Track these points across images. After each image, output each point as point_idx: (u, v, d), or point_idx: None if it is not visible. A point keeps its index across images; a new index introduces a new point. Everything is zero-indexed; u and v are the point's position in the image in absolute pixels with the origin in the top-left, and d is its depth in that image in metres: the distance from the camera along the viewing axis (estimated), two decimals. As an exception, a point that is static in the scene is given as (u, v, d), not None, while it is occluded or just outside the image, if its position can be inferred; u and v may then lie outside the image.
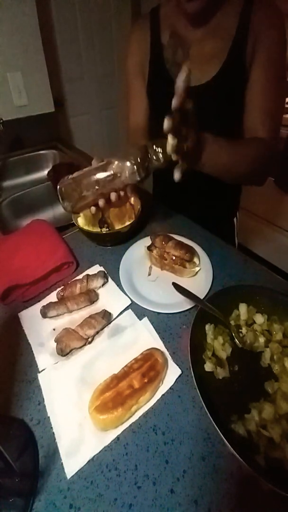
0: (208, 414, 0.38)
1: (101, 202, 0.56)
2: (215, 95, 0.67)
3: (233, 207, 0.94)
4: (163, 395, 0.44)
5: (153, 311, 0.56)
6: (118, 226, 0.72)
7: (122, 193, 0.56)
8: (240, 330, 0.52)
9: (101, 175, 0.53)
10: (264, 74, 0.63)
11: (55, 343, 0.50)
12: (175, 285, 0.57)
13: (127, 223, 0.67)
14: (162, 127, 0.77)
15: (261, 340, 0.49)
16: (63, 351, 0.48)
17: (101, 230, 0.74)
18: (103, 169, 0.53)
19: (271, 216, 1.83)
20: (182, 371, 0.46)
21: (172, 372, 0.46)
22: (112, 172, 0.52)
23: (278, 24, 0.60)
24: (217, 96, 0.67)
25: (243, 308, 0.53)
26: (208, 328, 0.50)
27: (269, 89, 0.64)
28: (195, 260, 0.63)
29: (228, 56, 0.63)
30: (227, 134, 0.67)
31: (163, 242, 0.64)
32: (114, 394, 0.41)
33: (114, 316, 0.55)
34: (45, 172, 1.20)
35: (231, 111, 0.69)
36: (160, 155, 0.50)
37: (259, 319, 0.52)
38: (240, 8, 0.61)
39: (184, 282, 0.59)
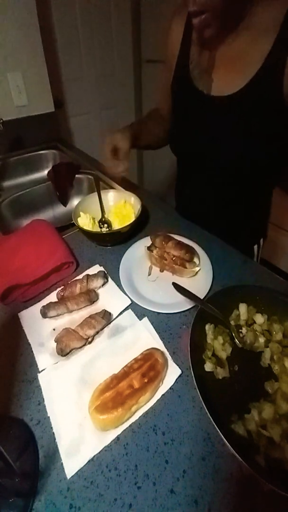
0: (208, 414, 0.38)
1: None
2: (238, 112, 0.57)
3: (255, 234, 0.85)
4: (163, 395, 0.44)
5: (153, 311, 0.56)
6: (118, 226, 0.72)
7: None
8: (240, 330, 0.52)
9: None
10: None
11: (55, 343, 0.50)
12: (175, 285, 0.57)
13: (127, 223, 0.67)
14: (182, 133, 0.69)
15: (261, 340, 0.49)
16: (63, 351, 0.48)
17: (101, 230, 0.74)
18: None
19: (273, 217, 1.82)
20: (182, 371, 0.46)
21: (172, 372, 0.46)
22: None
23: None
24: (241, 113, 0.56)
25: (243, 308, 0.53)
26: (208, 328, 0.50)
27: None
28: (195, 260, 0.63)
29: (264, 64, 0.51)
30: (251, 154, 0.58)
31: (163, 242, 0.64)
32: (114, 394, 0.41)
33: (114, 316, 0.55)
34: (45, 172, 1.20)
35: (257, 130, 0.56)
36: None
37: (259, 319, 0.52)
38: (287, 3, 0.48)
39: (184, 282, 0.59)
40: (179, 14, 0.66)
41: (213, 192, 0.75)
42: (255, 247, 0.84)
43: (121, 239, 0.72)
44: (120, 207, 0.76)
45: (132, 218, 0.70)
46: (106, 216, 0.76)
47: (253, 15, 0.51)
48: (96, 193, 0.74)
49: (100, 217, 0.75)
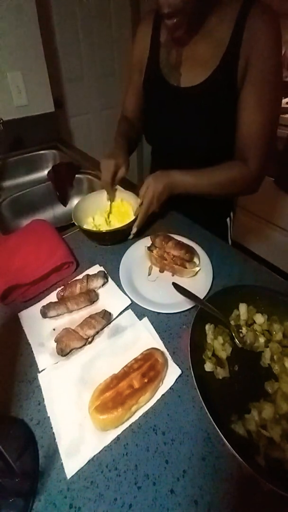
0: (208, 414, 0.38)
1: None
2: (203, 100, 0.69)
3: (226, 208, 0.93)
4: (163, 395, 0.44)
5: (153, 311, 0.56)
6: (117, 225, 0.72)
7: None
8: (240, 330, 0.52)
9: None
10: (257, 96, 0.62)
11: (55, 343, 0.50)
12: (175, 285, 0.57)
13: (127, 221, 0.68)
14: (157, 124, 0.80)
15: (261, 340, 0.49)
16: (63, 351, 0.48)
17: (100, 230, 0.74)
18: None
19: (270, 215, 1.83)
20: (182, 371, 0.46)
21: (172, 372, 0.46)
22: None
23: (274, 38, 0.57)
24: (205, 101, 0.68)
25: (243, 308, 0.53)
26: (208, 328, 0.50)
27: (261, 112, 0.63)
28: (195, 260, 0.63)
29: (219, 65, 0.63)
30: (216, 140, 0.72)
31: (163, 242, 0.64)
32: (114, 394, 0.41)
33: (114, 316, 0.55)
34: (45, 172, 1.20)
35: (219, 118, 0.69)
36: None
37: (259, 319, 0.52)
38: (236, 16, 0.59)
39: (184, 282, 0.59)
40: (145, 21, 0.76)
41: None
42: (228, 220, 0.94)
43: (121, 238, 0.72)
44: (118, 205, 0.76)
45: (130, 216, 0.70)
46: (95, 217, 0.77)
47: (211, 26, 0.62)
48: (96, 193, 0.75)
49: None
